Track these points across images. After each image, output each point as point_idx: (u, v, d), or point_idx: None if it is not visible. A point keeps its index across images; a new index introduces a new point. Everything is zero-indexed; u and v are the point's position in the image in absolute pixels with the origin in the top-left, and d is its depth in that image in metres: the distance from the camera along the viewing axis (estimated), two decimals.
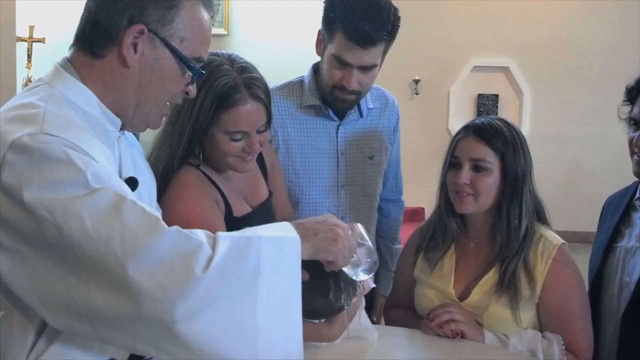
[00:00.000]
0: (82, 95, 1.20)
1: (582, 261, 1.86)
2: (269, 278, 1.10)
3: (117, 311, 1.04)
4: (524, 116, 6.05)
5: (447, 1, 5.94)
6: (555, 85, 6.07)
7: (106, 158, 1.15)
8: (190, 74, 1.25)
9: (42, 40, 5.30)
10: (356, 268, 1.33)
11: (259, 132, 1.59)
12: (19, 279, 1.05)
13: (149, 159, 1.56)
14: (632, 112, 1.81)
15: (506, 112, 6.00)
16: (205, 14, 1.25)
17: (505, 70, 6.13)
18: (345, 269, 1.33)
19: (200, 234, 1.09)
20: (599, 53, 5.95)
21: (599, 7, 5.90)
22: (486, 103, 6.13)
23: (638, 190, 1.87)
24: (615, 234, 1.87)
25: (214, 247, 1.07)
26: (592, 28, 5.93)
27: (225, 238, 1.09)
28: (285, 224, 1.21)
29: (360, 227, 1.36)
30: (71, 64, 1.22)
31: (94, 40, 1.20)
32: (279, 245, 1.13)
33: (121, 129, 1.29)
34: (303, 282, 1.35)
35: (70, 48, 1.24)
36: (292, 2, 5.91)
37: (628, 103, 1.84)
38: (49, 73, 1.23)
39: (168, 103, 1.29)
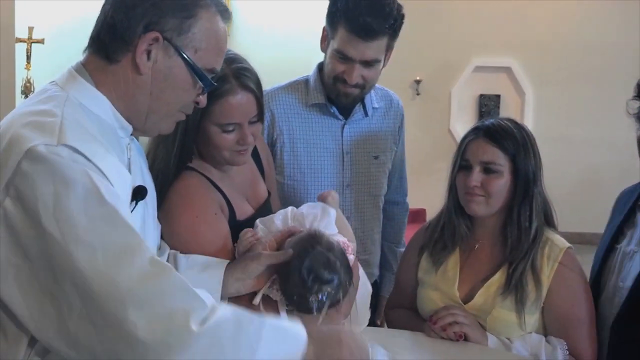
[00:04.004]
0: (96, 101, 1.19)
1: (587, 263, 1.84)
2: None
3: (109, 349, 1.02)
4: (525, 116, 6.03)
5: (449, 2, 5.93)
6: (557, 85, 6.06)
7: (117, 172, 1.14)
8: (202, 84, 1.24)
9: (41, 41, 5.29)
10: None
11: (251, 123, 1.57)
12: (10, 290, 1.03)
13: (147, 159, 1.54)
14: None
15: (508, 112, 5.98)
16: (222, 25, 1.25)
17: (507, 70, 6.11)
18: None
19: (203, 293, 1.09)
20: (602, 53, 5.93)
21: (600, 7, 5.90)
22: (488, 104, 6.11)
23: None
24: (619, 234, 1.82)
25: (213, 309, 1.07)
26: (595, 27, 5.91)
27: (228, 307, 1.10)
28: (300, 330, 1.18)
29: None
30: (85, 69, 1.21)
31: (109, 45, 1.19)
32: (281, 337, 1.13)
33: (131, 135, 1.28)
34: (301, 281, 1.41)
35: (84, 51, 1.24)
36: (295, 7, 5.90)
37: (638, 99, 1.75)
38: (63, 77, 1.22)
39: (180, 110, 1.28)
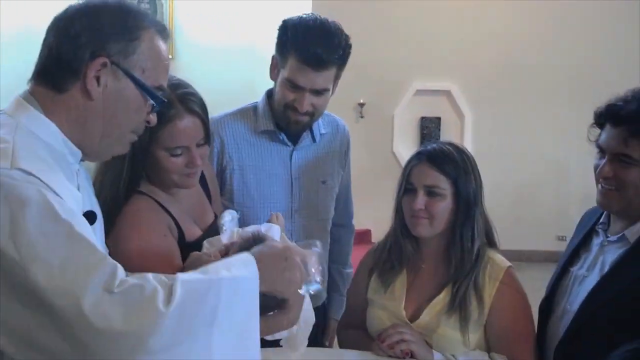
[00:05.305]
0: (45, 129, 1.20)
1: (525, 279, 1.90)
2: (226, 321, 1.12)
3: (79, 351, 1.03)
4: (465, 137, 6.20)
5: (391, 26, 6.07)
6: (493, 107, 6.26)
7: (70, 193, 1.16)
8: (152, 102, 1.27)
9: None
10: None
11: (198, 145, 1.61)
12: None
13: (93, 186, 1.54)
14: (600, 140, 1.73)
15: (448, 134, 6.14)
16: (162, 44, 1.28)
17: (447, 93, 6.27)
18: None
19: (154, 279, 1.10)
20: (537, 76, 6.15)
21: (534, 32, 6.13)
22: (429, 126, 6.26)
23: (603, 216, 1.82)
24: (574, 257, 1.86)
25: (171, 290, 1.08)
26: (530, 51, 6.13)
27: (184, 282, 1.10)
28: (247, 257, 1.22)
29: (317, 248, 1.41)
30: (34, 97, 1.22)
31: (57, 76, 1.20)
32: (237, 287, 1.15)
33: (82, 160, 1.29)
34: None
35: (29, 82, 1.24)
36: (237, 26, 5.94)
37: (597, 126, 1.76)
38: (11, 106, 1.22)
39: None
